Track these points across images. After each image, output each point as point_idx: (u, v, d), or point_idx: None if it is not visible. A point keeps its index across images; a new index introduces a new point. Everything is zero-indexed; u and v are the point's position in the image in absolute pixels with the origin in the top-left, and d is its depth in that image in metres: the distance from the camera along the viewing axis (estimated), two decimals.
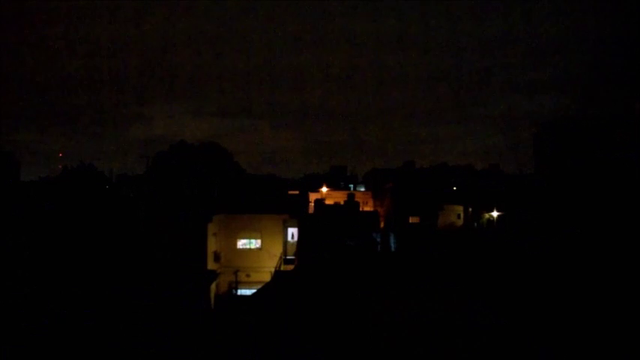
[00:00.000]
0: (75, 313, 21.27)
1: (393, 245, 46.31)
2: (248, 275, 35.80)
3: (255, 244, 37.56)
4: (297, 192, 60.58)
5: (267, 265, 36.01)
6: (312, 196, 68.16)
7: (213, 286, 32.23)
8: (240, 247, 37.38)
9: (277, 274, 32.93)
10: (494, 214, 60.65)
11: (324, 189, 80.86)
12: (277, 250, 37.29)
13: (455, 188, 74.95)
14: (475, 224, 63.58)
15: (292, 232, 39.11)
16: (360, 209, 64.26)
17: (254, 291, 28.77)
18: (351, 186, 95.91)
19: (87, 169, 71.11)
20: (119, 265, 26.64)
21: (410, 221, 64.67)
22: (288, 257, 37.44)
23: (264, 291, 25.40)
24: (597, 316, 15.40)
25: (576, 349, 13.25)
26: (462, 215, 66.51)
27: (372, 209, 74.50)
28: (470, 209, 66.31)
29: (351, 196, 71.86)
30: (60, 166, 75.03)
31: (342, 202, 67.89)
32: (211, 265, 33.56)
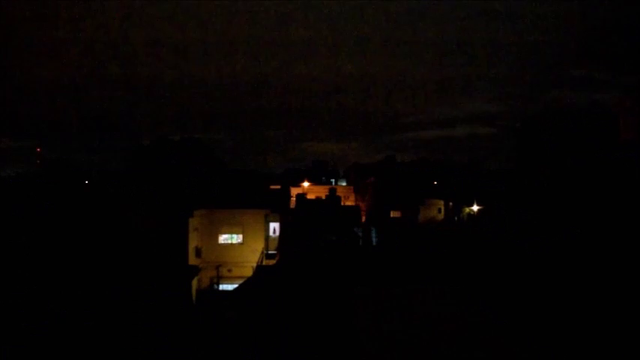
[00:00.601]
0: (53, 310, 21.05)
1: (374, 239, 46.53)
2: (230, 270, 35.71)
3: (236, 239, 37.45)
4: (278, 187, 60.48)
5: (248, 260, 35.95)
6: (294, 191, 68.13)
7: (194, 282, 32.10)
8: (222, 242, 37.25)
9: (259, 269, 32.92)
10: (475, 208, 61.17)
11: (306, 184, 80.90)
12: (259, 245, 37.23)
13: (435, 183, 75.48)
14: (455, 218, 64.07)
15: (274, 227, 39.06)
16: (342, 204, 64.50)
17: (236, 286, 28.76)
18: (333, 180, 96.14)
19: (65, 163, 70.32)
20: (98, 262, 26.40)
21: (391, 216, 65.01)
22: (269, 252, 37.40)
23: (245, 286, 25.43)
24: (575, 308, 15.63)
25: (556, 341, 13.43)
26: (442, 209, 67.00)
27: (353, 204, 74.74)
28: (450, 203, 66.81)
29: (332, 191, 72.15)
30: (38, 162, 74.08)
31: (323, 197, 68.10)
32: (192, 260, 33.42)
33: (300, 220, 44.13)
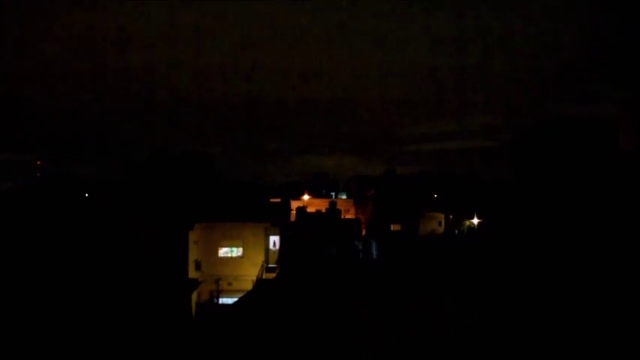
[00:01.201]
0: (51, 323, 20.94)
1: (374, 253, 46.41)
2: (230, 284, 35.57)
3: (236, 252, 37.34)
4: (278, 200, 60.46)
5: (248, 273, 35.81)
6: (294, 204, 68.08)
7: (194, 295, 31.97)
8: (222, 255, 37.14)
9: (259, 282, 32.78)
10: (475, 221, 61.10)
11: (306, 197, 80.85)
12: (259, 258, 37.12)
13: (435, 196, 75.47)
14: (456, 231, 63.99)
15: (274, 240, 38.99)
16: (342, 217, 64.48)
17: (236, 300, 28.61)
18: (333, 194, 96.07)
19: (65, 176, 70.18)
20: (98, 274, 26.30)
21: (392, 229, 64.92)
22: (270, 265, 37.28)
23: (245, 300, 25.30)
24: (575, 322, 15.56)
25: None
26: (442, 222, 66.95)
27: (353, 217, 74.65)
28: (451, 216, 66.77)
29: (332, 204, 72.08)
30: (38, 174, 73.99)
31: (323, 210, 68.07)
32: (192, 273, 33.30)
33: (301, 234, 44.09)
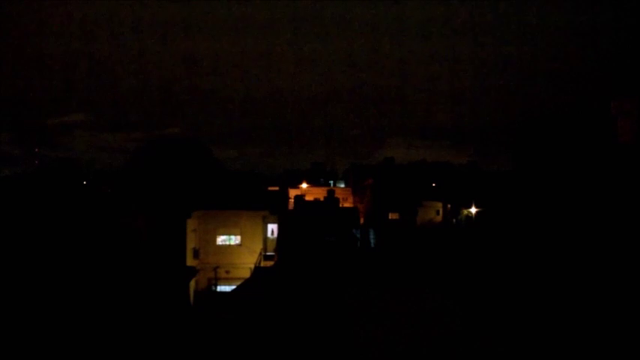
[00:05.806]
0: (50, 310, 21.03)
1: (372, 241, 46.58)
2: (227, 272, 35.70)
3: (234, 240, 37.44)
4: (276, 188, 60.43)
5: (246, 261, 35.95)
6: (292, 192, 68.12)
7: (192, 283, 32.08)
8: (220, 243, 37.25)
9: (257, 270, 32.90)
10: (473, 210, 61.12)
11: (304, 185, 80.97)
12: (257, 246, 37.23)
13: (434, 185, 75.48)
14: (454, 220, 64.10)
15: (272, 229, 39.06)
16: (340, 205, 64.53)
17: (234, 287, 28.72)
18: (331, 182, 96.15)
19: (63, 164, 70.17)
20: (96, 262, 26.37)
21: (389, 217, 65.10)
22: (267, 253, 37.40)
23: (243, 287, 25.37)
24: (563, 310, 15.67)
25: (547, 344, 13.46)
26: (440, 211, 67.03)
27: (351, 205, 74.74)
28: (448, 205, 66.84)
29: (331, 192, 72.10)
30: (36, 162, 74.02)
31: (322, 198, 68.11)
32: (190, 261, 33.41)
33: (299, 222, 44.13)
